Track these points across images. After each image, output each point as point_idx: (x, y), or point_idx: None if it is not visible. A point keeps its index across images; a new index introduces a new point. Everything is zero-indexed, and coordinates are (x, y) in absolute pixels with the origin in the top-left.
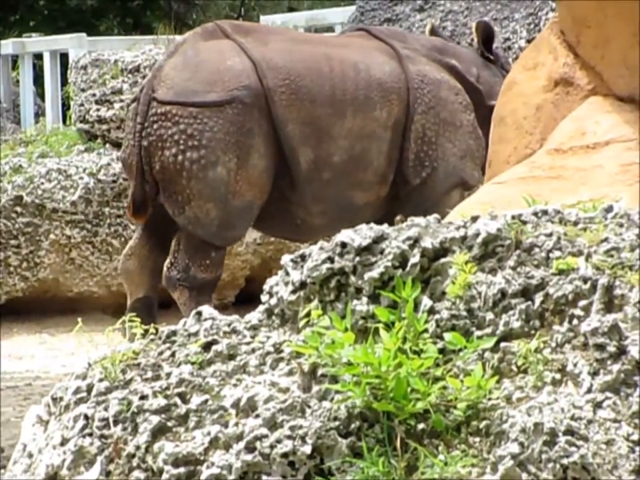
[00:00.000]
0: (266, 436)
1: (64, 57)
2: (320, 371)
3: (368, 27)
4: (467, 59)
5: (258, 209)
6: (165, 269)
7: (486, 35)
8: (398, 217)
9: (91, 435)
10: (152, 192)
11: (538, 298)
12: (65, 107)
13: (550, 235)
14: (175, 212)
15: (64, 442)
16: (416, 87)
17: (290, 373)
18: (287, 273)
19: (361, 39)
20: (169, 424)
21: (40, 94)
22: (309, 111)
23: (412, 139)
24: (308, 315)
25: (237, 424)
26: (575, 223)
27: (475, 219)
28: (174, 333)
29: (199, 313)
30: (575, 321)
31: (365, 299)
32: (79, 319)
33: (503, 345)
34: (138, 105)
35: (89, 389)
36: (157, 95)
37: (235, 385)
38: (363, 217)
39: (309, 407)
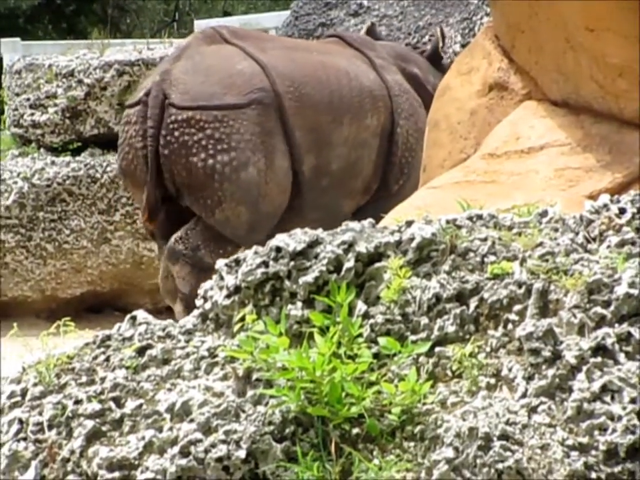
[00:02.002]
0: (200, 440)
1: None
2: (254, 376)
3: (341, 34)
4: (424, 67)
5: (282, 211)
6: (171, 240)
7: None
8: None
9: (25, 439)
10: (170, 197)
11: (473, 302)
12: None
13: (485, 239)
14: (205, 215)
15: None
16: (397, 94)
17: (224, 377)
18: (222, 278)
19: (338, 47)
20: (104, 428)
21: None
22: (311, 118)
23: (399, 145)
24: (242, 319)
25: (171, 428)
26: (510, 228)
27: (409, 223)
28: (108, 337)
29: (134, 318)
30: (510, 326)
31: (299, 304)
32: (14, 324)
33: (437, 349)
34: (145, 109)
35: (24, 393)
36: (173, 101)
37: (170, 390)
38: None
39: (244, 411)
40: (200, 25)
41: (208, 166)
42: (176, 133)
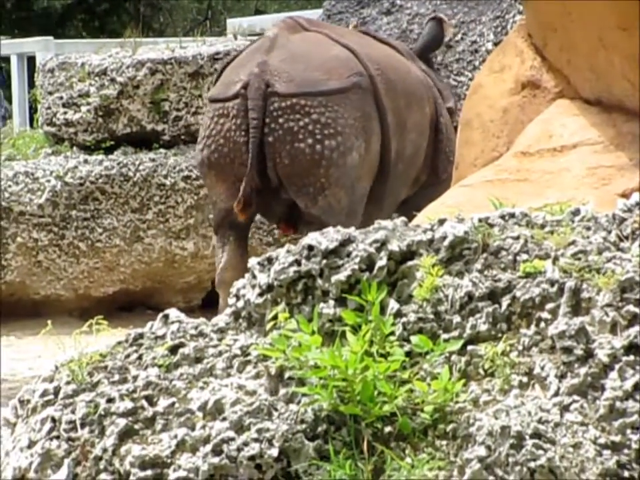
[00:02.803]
0: (233, 439)
1: (31, 60)
2: (287, 374)
3: (364, 29)
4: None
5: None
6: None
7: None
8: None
9: (58, 437)
10: (267, 187)
11: (505, 301)
12: (32, 109)
13: (517, 237)
14: (307, 204)
15: (31, 444)
16: (432, 85)
17: (257, 375)
18: (254, 276)
19: (373, 40)
20: (136, 427)
21: (7, 97)
22: (395, 102)
23: (444, 135)
24: (275, 317)
25: (203, 427)
26: (542, 226)
27: (442, 221)
28: (141, 335)
29: (166, 316)
30: (542, 324)
31: (331, 302)
32: (48, 322)
33: (470, 348)
34: (245, 102)
35: (56, 391)
36: (277, 89)
37: (202, 388)
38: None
39: (276, 409)
40: (232, 23)
41: (316, 151)
42: (280, 120)
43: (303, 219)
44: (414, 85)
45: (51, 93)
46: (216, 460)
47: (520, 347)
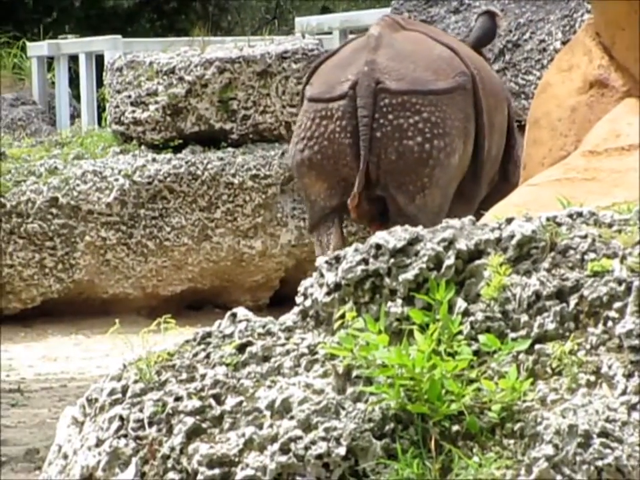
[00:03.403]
0: (300, 437)
1: (99, 58)
2: (354, 373)
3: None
4: None
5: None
6: None
7: None
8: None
9: (126, 436)
10: (372, 184)
11: (573, 300)
12: (101, 108)
13: (585, 236)
14: (404, 201)
15: (99, 443)
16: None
17: (324, 374)
18: (322, 275)
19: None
20: (204, 425)
21: (75, 96)
22: (487, 102)
23: (516, 136)
24: (342, 316)
25: (271, 425)
26: (610, 225)
27: (509, 220)
28: (209, 334)
29: (234, 315)
30: (610, 323)
31: (399, 301)
32: (116, 320)
33: (537, 346)
34: (352, 103)
35: (124, 390)
36: (388, 86)
37: (270, 387)
38: None
39: (344, 408)
40: (301, 22)
41: (424, 150)
42: (390, 116)
43: (392, 218)
44: (497, 85)
45: (119, 92)
46: (283, 459)
47: (587, 346)
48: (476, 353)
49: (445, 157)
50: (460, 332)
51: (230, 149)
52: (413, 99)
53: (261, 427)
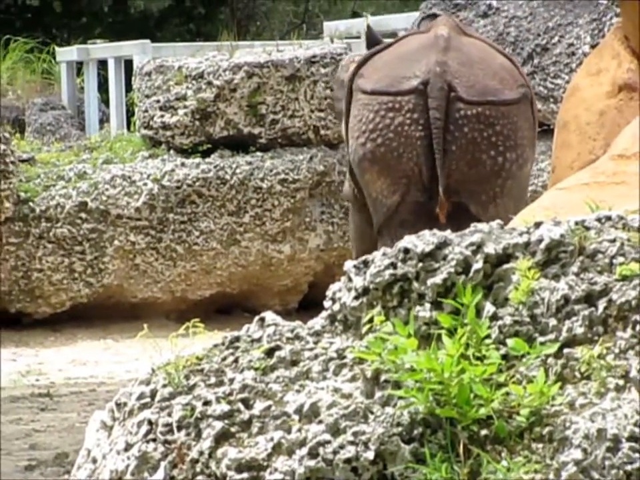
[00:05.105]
0: (329, 442)
1: (128, 63)
2: (383, 377)
3: None
4: None
5: None
6: None
7: None
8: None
9: (154, 440)
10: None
11: (601, 304)
12: (129, 113)
13: (613, 240)
14: (477, 211)
15: (128, 447)
16: None
17: (353, 378)
18: (350, 279)
19: None
20: (232, 429)
21: (104, 100)
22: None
23: None
24: (371, 320)
25: (300, 430)
26: (639, 229)
27: (538, 224)
28: (237, 338)
29: (262, 319)
30: (638, 327)
31: (427, 305)
32: (145, 325)
33: (566, 351)
34: (423, 99)
35: (153, 394)
36: (461, 94)
37: (298, 391)
38: None
39: (372, 412)
40: (329, 26)
41: (497, 163)
42: (465, 129)
43: (466, 225)
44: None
45: (148, 96)
46: (312, 463)
47: (616, 350)
48: (504, 357)
49: (517, 169)
50: (488, 336)
51: (258, 154)
52: (486, 111)
53: (289, 431)
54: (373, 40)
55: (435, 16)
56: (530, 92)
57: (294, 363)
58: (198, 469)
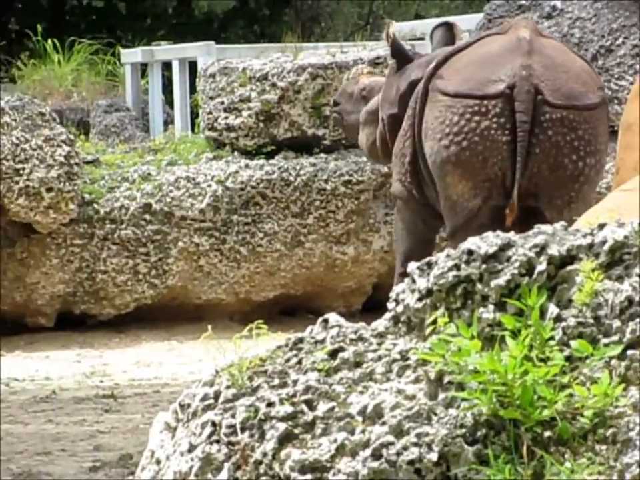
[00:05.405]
0: (392, 443)
1: (192, 65)
2: (446, 379)
3: None
4: None
5: None
6: None
7: None
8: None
9: (218, 441)
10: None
11: None
12: (194, 115)
13: None
14: (551, 215)
15: (191, 449)
16: None
17: (416, 380)
18: (414, 281)
19: None
20: (296, 431)
21: (169, 102)
22: None
23: None
24: (434, 322)
25: (363, 431)
26: None
27: (601, 226)
28: (301, 340)
29: (326, 321)
30: None
31: (491, 307)
32: (208, 326)
33: (629, 352)
34: (509, 103)
35: (217, 395)
36: (547, 98)
37: (362, 392)
38: None
39: (435, 414)
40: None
41: (577, 168)
42: (549, 132)
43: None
44: None
45: (212, 98)
46: (375, 464)
47: None
48: (568, 358)
49: (595, 174)
50: (552, 338)
51: (322, 155)
52: (570, 115)
53: (352, 432)
54: (399, 52)
55: (447, 25)
56: (605, 95)
57: (357, 365)
58: (261, 471)
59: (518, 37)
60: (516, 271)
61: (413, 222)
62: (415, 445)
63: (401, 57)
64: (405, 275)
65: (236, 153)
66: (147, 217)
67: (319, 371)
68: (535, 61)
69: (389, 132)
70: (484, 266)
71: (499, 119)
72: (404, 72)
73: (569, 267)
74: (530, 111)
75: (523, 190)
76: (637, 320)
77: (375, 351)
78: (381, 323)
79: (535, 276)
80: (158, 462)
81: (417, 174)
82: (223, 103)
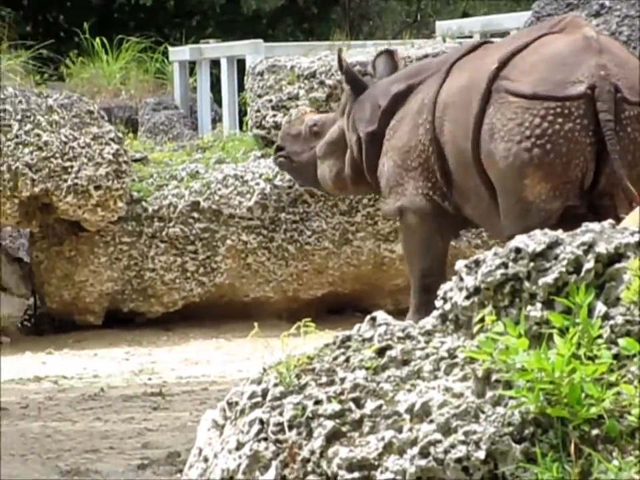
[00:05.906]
0: (440, 441)
1: (241, 63)
2: (494, 377)
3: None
4: None
5: None
6: None
7: None
8: None
9: (266, 439)
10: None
11: None
12: (242, 113)
13: None
14: (627, 213)
15: (239, 446)
16: None
17: (464, 378)
18: (461, 279)
19: None
20: (344, 429)
21: (217, 100)
22: None
23: None
24: (482, 320)
25: (411, 429)
26: None
27: None
28: (348, 338)
29: (373, 319)
30: None
31: (539, 305)
32: (256, 324)
33: None
34: (591, 104)
35: (264, 393)
36: (626, 95)
37: (409, 390)
38: None
39: (483, 412)
40: (441, 26)
41: None
42: (628, 129)
43: None
44: None
45: (260, 96)
46: (423, 462)
47: None
48: (616, 356)
49: None
50: (600, 336)
51: None
52: None
53: (400, 430)
54: (354, 80)
55: (388, 52)
56: None
57: (405, 363)
58: (309, 468)
59: (584, 35)
60: (564, 269)
61: (431, 239)
62: (463, 443)
63: (356, 83)
64: (426, 290)
65: None
66: (195, 214)
67: (367, 369)
68: (607, 60)
69: (367, 150)
70: (532, 264)
71: (582, 121)
72: (375, 89)
73: (617, 265)
74: (612, 110)
75: (600, 188)
76: None
77: (422, 349)
78: (429, 321)
79: (582, 274)
80: (206, 460)
81: (452, 183)
82: (271, 100)
